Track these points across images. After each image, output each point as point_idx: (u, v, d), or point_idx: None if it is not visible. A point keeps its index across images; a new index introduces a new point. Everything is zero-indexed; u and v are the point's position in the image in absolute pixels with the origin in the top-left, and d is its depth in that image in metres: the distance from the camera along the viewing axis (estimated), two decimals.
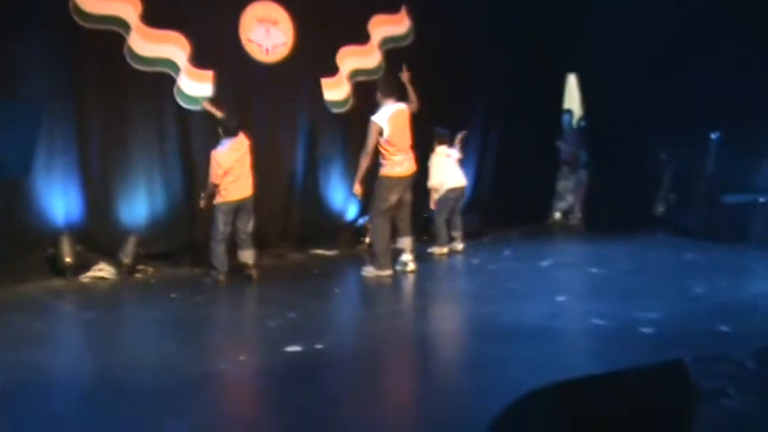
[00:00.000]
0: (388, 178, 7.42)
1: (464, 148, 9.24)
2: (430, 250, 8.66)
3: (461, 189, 9.01)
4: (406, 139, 7.48)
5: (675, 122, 9.32)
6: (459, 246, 8.88)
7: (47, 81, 7.28)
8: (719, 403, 2.84)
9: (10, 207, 7.18)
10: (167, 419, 3.81)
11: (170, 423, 3.76)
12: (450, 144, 9.01)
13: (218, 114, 7.60)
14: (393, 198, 7.42)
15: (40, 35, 7.26)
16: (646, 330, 5.18)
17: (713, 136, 8.97)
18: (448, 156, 8.90)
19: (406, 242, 7.65)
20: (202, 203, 7.34)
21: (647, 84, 9.77)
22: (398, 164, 7.41)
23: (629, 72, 9.95)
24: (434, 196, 8.87)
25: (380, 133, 7.32)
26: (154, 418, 3.82)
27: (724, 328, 5.17)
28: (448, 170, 8.86)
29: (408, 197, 7.60)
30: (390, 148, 7.36)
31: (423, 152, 8.89)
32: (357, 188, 7.54)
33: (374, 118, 7.37)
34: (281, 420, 3.87)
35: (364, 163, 7.40)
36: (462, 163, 9.18)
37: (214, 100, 8.06)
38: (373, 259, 7.55)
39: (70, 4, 7.39)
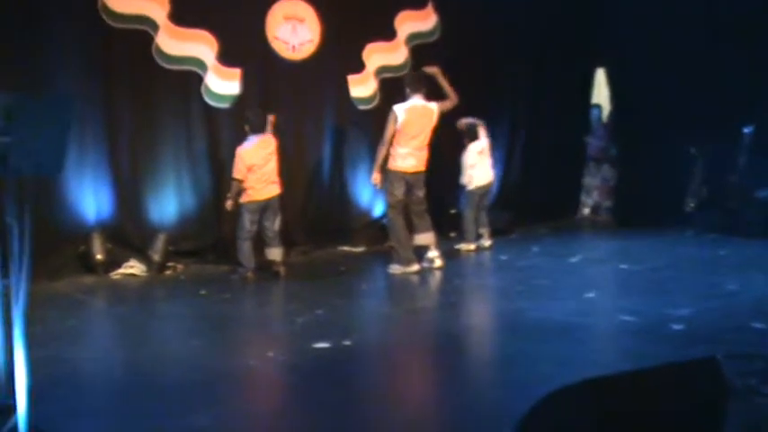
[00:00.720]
0: (392, 171, 7.39)
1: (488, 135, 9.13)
2: (457, 246, 8.64)
3: (488, 185, 8.97)
4: (419, 134, 7.40)
5: (706, 116, 9.20)
6: (487, 242, 8.83)
7: (76, 80, 7.36)
8: (752, 400, 2.80)
9: (43, 204, 7.25)
10: (195, 414, 3.84)
11: (198, 417, 3.79)
12: (478, 136, 8.91)
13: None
14: (398, 192, 7.37)
15: (69, 35, 7.35)
16: (676, 327, 5.12)
17: (746, 130, 8.84)
18: (480, 152, 8.84)
19: (426, 238, 7.60)
20: (229, 204, 7.34)
21: (676, 77, 9.65)
22: (401, 157, 7.35)
23: (659, 66, 9.84)
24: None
25: (396, 121, 7.30)
26: (182, 413, 3.86)
27: (757, 325, 5.09)
28: (477, 167, 8.82)
29: (419, 194, 7.50)
30: (400, 138, 7.32)
31: (450, 147, 8.89)
32: (375, 176, 7.51)
33: (394, 107, 7.39)
34: (308, 416, 3.88)
35: (382, 151, 7.39)
36: (491, 154, 9.11)
37: (239, 104, 8.10)
38: (397, 255, 7.55)
39: (99, 4, 7.46)
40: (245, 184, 7.22)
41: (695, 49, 9.56)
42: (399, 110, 7.33)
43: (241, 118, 7.68)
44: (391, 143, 7.35)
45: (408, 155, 7.37)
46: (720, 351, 2.70)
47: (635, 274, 7.23)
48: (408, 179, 7.42)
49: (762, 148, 8.67)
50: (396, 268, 7.49)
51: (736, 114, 8.89)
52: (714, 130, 8.95)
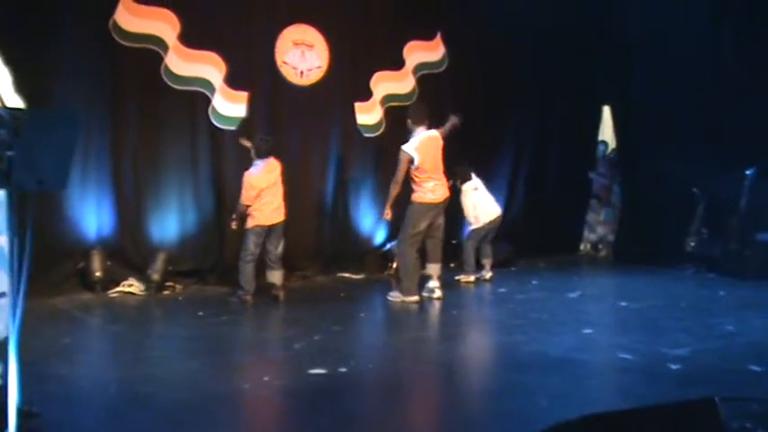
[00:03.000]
0: (421, 204, 7.41)
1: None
2: (457, 278, 8.63)
3: (497, 220, 8.93)
4: (437, 164, 7.49)
5: (710, 157, 9.25)
6: (488, 274, 8.82)
7: (84, 97, 7.42)
8: None
9: (44, 220, 7.27)
10: None
11: None
12: (470, 176, 8.91)
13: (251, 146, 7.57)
14: (423, 224, 7.41)
15: (79, 52, 7.42)
16: (674, 367, 5.10)
17: (748, 172, 8.87)
18: (475, 189, 8.84)
19: (434, 268, 7.61)
20: (234, 225, 7.37)
21: (681, 117, 9.71)
22: (431, 191, 7.41)
23: (664, 105, 9.91)
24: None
25: (411, 162, 7.34)
26: None
27: (754, 367, 5.07)
28: (480, 204, 8.80)
29: (441, 221, 7.57)
30: (422, 175, 7.37)
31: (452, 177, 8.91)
32: (387, 213, 7.56)
33: (404, 147, 7.39)
34: None
35: (394, 192, 7.44)
36: (490, 187, 9.12)
37: (244, 127, 8.14)
38: (399, 284, 7.54)
39: (110, 23, 7.54)
40: (251, 209, 7.24)
41: (700, 89, 9.63)
42: (411, 151, 7.35)
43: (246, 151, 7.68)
44: (404, 183, 7.42)
45: (436, 186, 7.46)
46: (717, 392, 2.68)
47: (634, 311, 7.21)
48: (439, 209, 7.50)
49: (763, 190, 8.69)
50: (395, 296, 7.49)
51: (739, 156, 8.93)
52: (717, 171, 8.98)
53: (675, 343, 5.69)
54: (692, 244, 9.50)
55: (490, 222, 8.82)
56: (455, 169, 8.59)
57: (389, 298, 7.52)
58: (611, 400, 4.53)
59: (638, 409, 2.74)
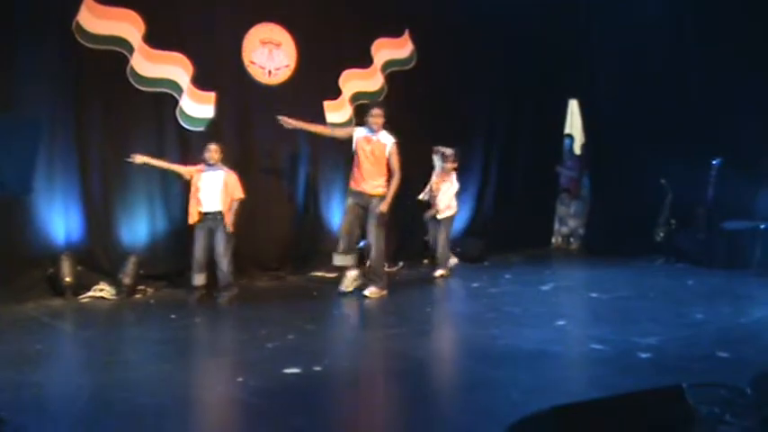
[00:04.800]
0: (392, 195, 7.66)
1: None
2: (436, 274, 8.78)
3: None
4: None
5: (676, 149, 9.38)
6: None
7: (48, 100, 7.33)
8: (717, 429, 2.83)
9: (10, 226, 7.20)
10: None
11: None
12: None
13: (159, 165, 7.52)
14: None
15: (42, 54, 7.31)
16: (644, 356, 5.16)
17: (714, 162, 9.00)
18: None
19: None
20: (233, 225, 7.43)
21: (647, 110, 9.83)
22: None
23: (630, 98, 10.03)
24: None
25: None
26: None
27: (723, 354, 5.15)
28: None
29: None
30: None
31: (424, 172, 8.96)
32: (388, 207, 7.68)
33: (393, 140, 7.62)
34: None
35: (399, 184, 7.64)
36: (461, 183, 9.21)
37: (212, 128, 8.14)
38: (378, 279, 7.61)
39: (73, 24, 7.45)
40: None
41: (666, 82, 9.76)
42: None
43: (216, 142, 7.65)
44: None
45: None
46: (686, 379, 2.73)
47: (605, 302, 7.29)
48: None
49: (729, 180, 8.82)
50: (374, 291, 7.55)
51: (705, 147, 9.05)
52: (683, 162, 9.10)
53: (646, 332, 5.76)
54: (661, 234, 9.62)
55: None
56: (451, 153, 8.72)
57: (367, 293, 7.56)
58: (584, 390, 4.57)
59: (608, 398, 2.77)
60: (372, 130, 7.63)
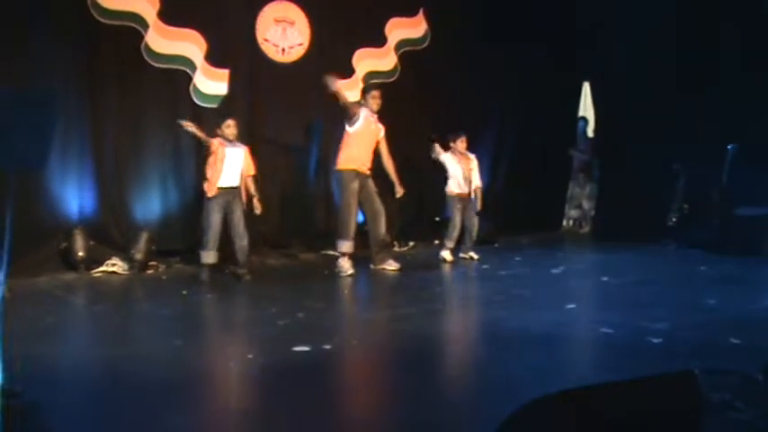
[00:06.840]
0: None
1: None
2: (463, 255, 8.71)
3: None
4: None
5: (690, 133, 9.29)
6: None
7: (63, 76, 7.33)
8: (728, 416, 2.82)
9: (25, 200, 7.20)
10: (172, 414, 3.81)
11: (175, 418, 3.77)
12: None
13: (201, 135, 7.29)
14: None
15: (57, 30, 7.32)
16: (655, 341, 5.14)
17: (729, 147, 8.92)
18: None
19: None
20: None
21: (662, 93, 9.74)
22: None
23: (645, 81, 9.93)
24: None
25: None
26: (159, 413, 3.83)
27: (735, 340, 5.12)
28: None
29: None
30: None
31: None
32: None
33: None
34: (285, 418, 3.87)
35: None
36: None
37: (225, 105, 8.10)
38: (390, 252, 7.87)
39: (89, 0, 7.44)
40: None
41: (681, 65, 9.65)
42: None
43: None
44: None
45: None
46: (698, 365, 2.71)
47: (615, 286, 7.26)
48: None
49: (744, 165, 8.75)
50: (391, 264, 7.85)
51: (720, 131, 8.97)
52: (698, 146, 9.03)
53: (657, 317, 5.73)
54: (674, 219, 9.57)
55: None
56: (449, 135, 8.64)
57: (388, 268, 7.72)
58: (593, 374, 4.57)
59: (618, 382, 2.75)
60: (372, 112, 7.65)
